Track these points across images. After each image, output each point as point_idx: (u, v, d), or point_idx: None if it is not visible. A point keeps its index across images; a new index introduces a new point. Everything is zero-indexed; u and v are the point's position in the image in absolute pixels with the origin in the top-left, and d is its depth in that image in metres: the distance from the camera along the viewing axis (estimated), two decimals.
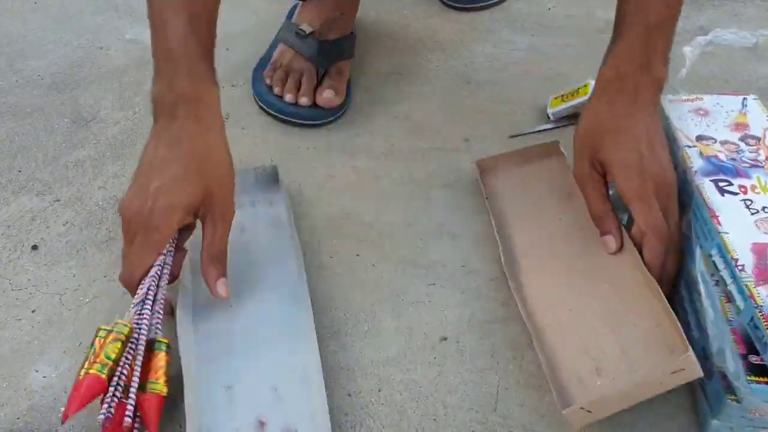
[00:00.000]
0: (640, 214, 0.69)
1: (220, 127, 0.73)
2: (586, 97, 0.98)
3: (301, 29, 1.02)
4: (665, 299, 0.65)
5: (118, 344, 0.62)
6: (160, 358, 0.66)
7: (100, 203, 0.89)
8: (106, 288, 0.79)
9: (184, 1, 0.71)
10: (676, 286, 0.71)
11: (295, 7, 1.11)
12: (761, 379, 0.59)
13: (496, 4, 1.24)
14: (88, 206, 0.89)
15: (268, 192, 0.85)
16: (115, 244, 0.84)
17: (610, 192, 0.75)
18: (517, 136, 0.97)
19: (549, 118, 1.00)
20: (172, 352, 0.67)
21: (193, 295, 0.73)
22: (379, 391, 0.69)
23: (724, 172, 0.70)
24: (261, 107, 1.03)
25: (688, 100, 0.81)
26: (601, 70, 0.76)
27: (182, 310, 0.71)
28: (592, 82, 0.99)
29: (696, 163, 0.71)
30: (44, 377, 0.71)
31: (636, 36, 0.74)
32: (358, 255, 0.82)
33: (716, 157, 0.72)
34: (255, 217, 0.83)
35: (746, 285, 0.59)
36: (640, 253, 0.69)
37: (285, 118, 1.00)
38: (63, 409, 0.60)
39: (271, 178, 0.87)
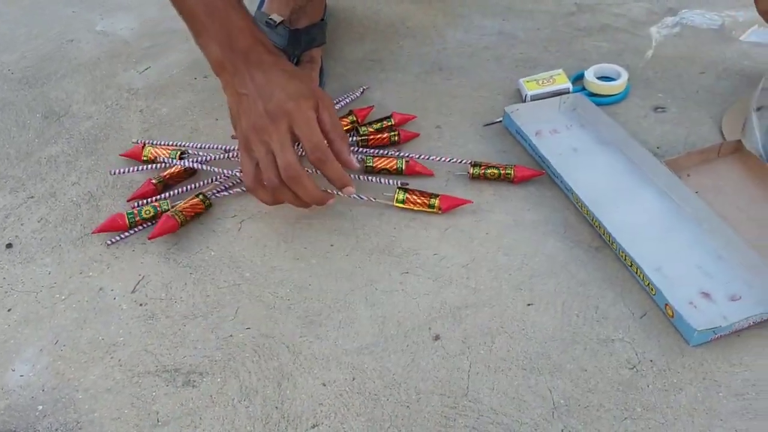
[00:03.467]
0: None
1: (282, 56, 0.82)
2: (564, 85, 0.99)
3: (271, 19, 1.02)
4: None
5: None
6: (197, 203, 0.85)
7: (74, 199, 0.90)
8: (82, 284, 0.79)
9: None
10: None
11: None
12: None
13: None
14: (62, 202, 0.89)
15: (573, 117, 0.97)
16: (90, 240, 0.84)
17: None
18: (491, 124, 0.98)
19: (525, 100, 1.00)
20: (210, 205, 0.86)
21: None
22: (353, 380, 0.70)
23: None
24: None
25: None
26: None
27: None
28: (563, 73, 1.01)
29: None
30: (21, 376, 0.71)
31: None
32: (332, 245, 0.83)
33: None
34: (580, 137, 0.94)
35: None
36: None
37: None
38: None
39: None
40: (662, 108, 1.00)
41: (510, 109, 0.96)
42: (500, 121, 0.98)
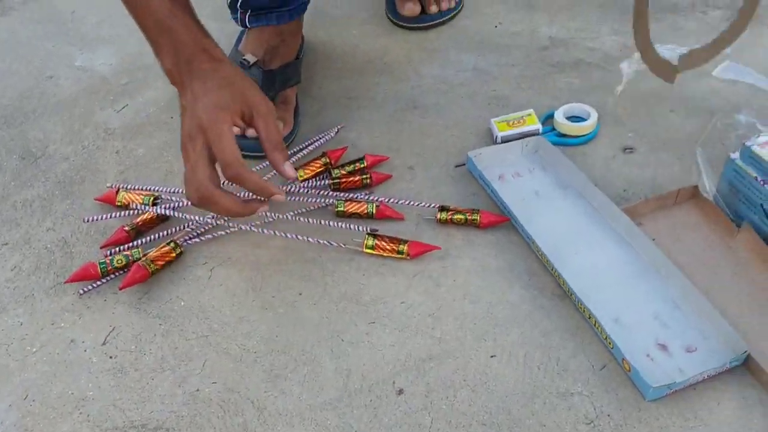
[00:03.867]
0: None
1: (230, 61, 0.82)
2: (533, 127, 1.01)
3: (245, 59, 1.03)
4: None
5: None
6: (167, 251, 0.86)
7: (49, 246, 0.91)
8: (53, 336, 0.81)
9: None
10: None
11: (243, 32, 1.12)
12: None
13: (443, 22, 1.25)
14: (36, 249, 0.91)
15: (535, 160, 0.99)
16: (63, 289, 0.85)
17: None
18: (461, 165, 0.99)
19: (496, 141, 1.02)
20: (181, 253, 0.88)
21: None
22: None
23: None
24: None
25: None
26: None
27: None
28: (533, 113, 1.02)
29: None
30: None
31: None
32: (300, 293, 0.84)
33: None
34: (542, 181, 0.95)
35: None
36: None
37: None
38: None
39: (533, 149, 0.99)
40: (630, 149, 1.01)
41: (473, 153, 0.97)
42: (464, 165, 0.99)
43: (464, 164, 0.99)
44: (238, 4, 1.05)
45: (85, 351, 0.79)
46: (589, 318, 0.79)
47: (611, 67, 1.15)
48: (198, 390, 0.75)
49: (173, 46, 0.78)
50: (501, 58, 1.18)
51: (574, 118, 1.03)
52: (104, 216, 0.92)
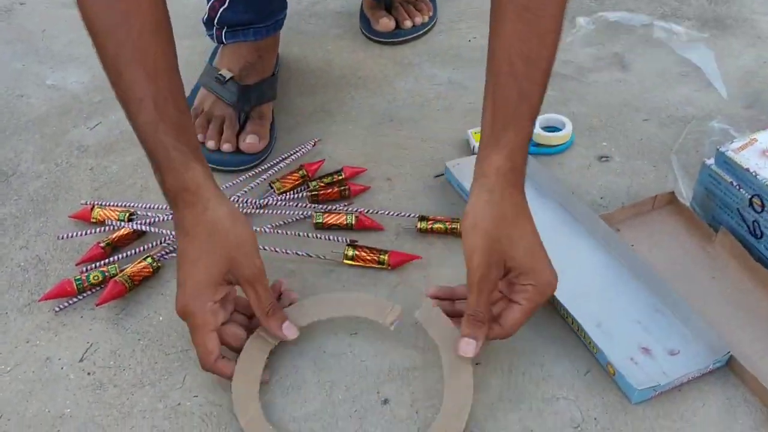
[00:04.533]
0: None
1: (220, 199, 0.72)
2: None
3: (220, 74, 1.03)
4: None
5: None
6: (144, 267, 0.85)
7: (22, 264, 0.89)
8: (28, 354, 0.79)
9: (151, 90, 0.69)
10: None
11: (217, 48, 1.12)
12: None
13: (417, 37, 1.26)
14: (9, 267, 0.89)
15: None
16: (38, 307, 0.83)
17: None
18: (440, 176, 0.99)
19: (474, 152, 1.02)
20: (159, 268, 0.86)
21: None
22: None
23: None
24: None
25: (743, 147, 0.83)
26: (493, 158, 0.72)
27: None
28: None
29: None
30: None
31: (488, 131, 0.74)
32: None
33: None
34: None
35: None
36: None
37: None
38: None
39: None
40: (606, 157, 1.02)
41: (451, 164, 0.98)
42: (443, 175, 0.99)
43: (443, 174, 0.99)
44: (215, 20, 1.05)
45: (62, 368, 0.78)
46: (572, 324, 0.79)
47: (585, 78, 1.17)
48: (179, 404, 0.74)
49: (159, 171, 0.71)
50: (476, 71, 1.19)
51: (550, 128, 1.04)
52: (79, 233, 0.90)
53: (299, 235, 0.90)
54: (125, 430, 0.72)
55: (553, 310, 0.81)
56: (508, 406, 0.73)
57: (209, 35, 1.08)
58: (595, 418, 0.72)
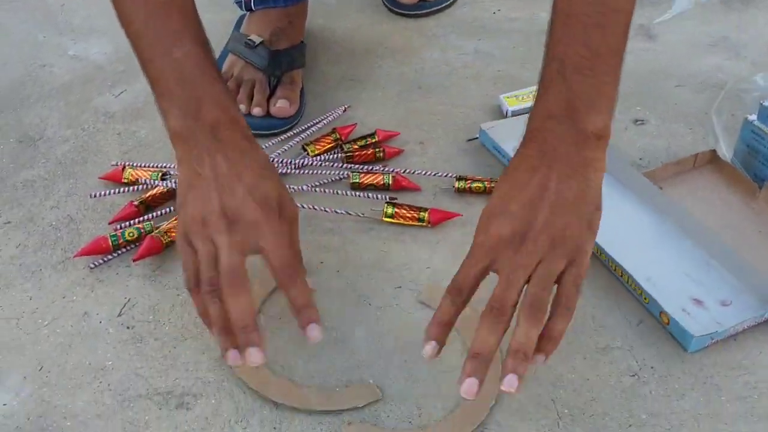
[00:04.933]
0: (461, 266, 0.63)
1: (256, 142, 0.70)
2: None
3: (250, 39, 1.01)
4: None
5: None
6: None
7: (54, 223, 0.87)
8: (65, 309, 0.77)
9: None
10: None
11: (242, 17, 1.10)
12: None
13: (441, 9, 1.25)
14: (40, 227, 0.87)
15: None
16: (72, 264, 0.81)
17: None
18: (474, 139, 0.98)
19: (507, 116, 1.01)
20: None
21: None
22: None
23: None
24: None
25: None
26: (526, 123, 0.67)
27: None
28: None
29: None
30: (4, 405, 0.68)
31: (552, 83, 0.63)
32: (321, 262, 0.82)
33: None
34: None
35: None
36: None
37: None
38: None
39: None
40: (641, 120, 1.01)
41: (486, 126, 0.96)
42: (477, 138, 0.98)
43: (477, 138, 0.98)
44: None
45: (100, 323, 0.76)
46: (622, 276, 0.77)
47: None
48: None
49: (196, 102, 0.66)
50: (502, 41, 1.18)
51: None
52: (111, 191, 0.88)
53: (337, 193, 0.88)
54: (169, 382, 0.70)
55: (599, 264, 0.80)
56: (561, 356, 0.71)
57: (236, 2, 1.07)
58: (652, 367, 0.70)
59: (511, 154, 0.85)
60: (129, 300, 0.78)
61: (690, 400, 0.67)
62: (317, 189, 0.89)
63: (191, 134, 0.67)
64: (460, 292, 0.62)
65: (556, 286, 0.60)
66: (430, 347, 0.61)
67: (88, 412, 0.67)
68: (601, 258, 0.80)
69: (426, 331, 0.62)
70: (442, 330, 0.62)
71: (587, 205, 0.62)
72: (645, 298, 0.75)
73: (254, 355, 0.61)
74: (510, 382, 0.58)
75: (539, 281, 0.59)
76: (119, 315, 0.76)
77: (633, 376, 0.69)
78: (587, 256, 0.62)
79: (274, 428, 0.66)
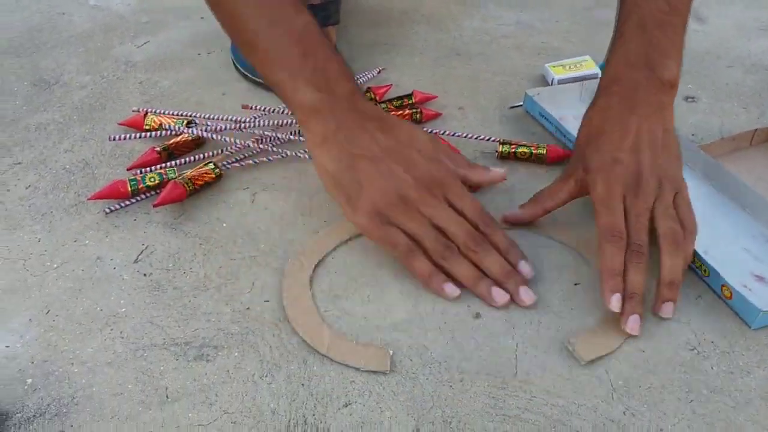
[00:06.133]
0: (598, 217, 0.67)
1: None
2: (592, 71, 0.95)
3: None
4: None
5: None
6: (207, 172, 0.77)
7: (67, 166, 0.81)
8: (77, 253, 0.71)
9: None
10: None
11: None
12: None
13: None
14: (53, 170, 0.81)
15: None
16: (86, 207, 0.76)
17: None
18: (517, 106, 0.92)
19: (552, 84, 0.96)
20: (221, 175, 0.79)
21: None
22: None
23: None
24: (241, 73, 0.96)
25: None
26: (603, 72, 0.74)
27: None
28: (590, 59, 0.96)
29: None
30: (7, 347, 0.62)
31: (633, 34, 0.70)
32: None
33: None
34: None
35: None
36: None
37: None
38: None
39: None
40: (693, 98, 0.95)
41: (532, 92, 0.91)
42: (521, 105, 0.92)
43: (520, 105, 0.92)
44: None
45: (114, 269, 0.70)
46: None
47: None
48: (249, 308, 0.66)
49: (326, 75, 0.65)
50: (544, 14, 1.13)
51: None
52: (132, 135, 0.83)
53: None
54: (188, 332, 0.64)
55: (652, 237, 0.74)
56: (616, 327, 0.65)
57: None
58: (713, 342, 0.64)
59: (559, 120, 0.83)
60: (147, 247, 0.72)
61: (756, 379, 0.61)
62: None
63: (330, 109, 0.65)
64: (621, 235, 0.65)
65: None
66: (615, 300, 0.63)
67: (98, 359, 0.61)
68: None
69: (603, 284, 0.64)
70: (618, 279, 0.64)
71: (673, 142, 0.71)
72: (705, 271, 0.69)
73: (528, 294, 0.66)
74: (667, 310, 0.64)
75: (666, 217, 0.66)
76: (136, 261, 0.70)
77: (692, 350, 0.64)
78: (685, 183, 0.70)
79: (303, 385, 0.60)
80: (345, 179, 0.65)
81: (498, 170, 0.73)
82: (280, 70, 0.65)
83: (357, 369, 0.61)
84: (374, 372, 0.61)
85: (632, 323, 0.63)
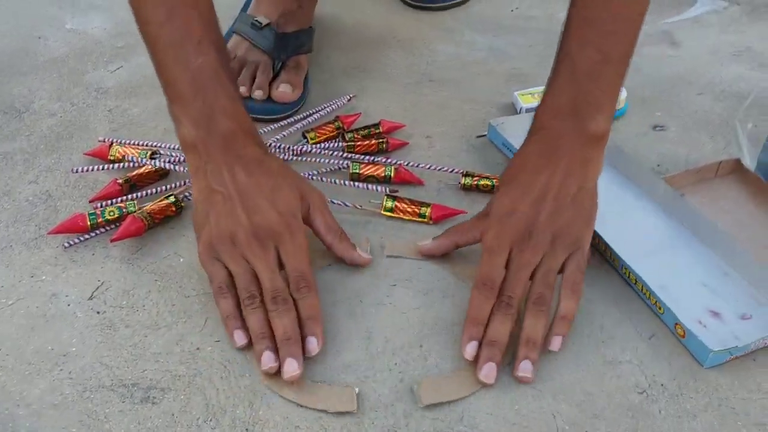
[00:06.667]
0: (479, 265, 0.67)
1: (269, 151, 0.73)
2: None
3: (257, 20, 0.97)
4: None
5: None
6: (167, 206, 0.78)
7: (30, 198, 0.82)
8: (33, 289, 0.71)
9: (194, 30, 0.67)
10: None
11: (249, 1, 1.05)
12: None
13: (457, 4, 1.20)
14: (16, 201, 0.81)
15: None
16: (45, 241, 0.76)
17: None
18: (483, 136, 0.92)
19: (520, 113, 0.95)
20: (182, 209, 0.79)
21: None
22: None
23: None
24: None
25: None
26: (533, 119, 0.72)
27: None
28: None
29: None
30: None
31: (563, 84, 0.68)
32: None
33: None
34: None
35: None
36: None
37: None
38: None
39: None
40: (661, 126, 0.95)
41: (495, 122, 0.91)
42: (486, 135, 0.92)
43: (486, 135, 0.92)
44: None
45: (69, 305, 0.70)
46: (635, 283, 0.71)
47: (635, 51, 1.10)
48: (198, 349, 0.66)
49: (208, 112, 0.67)
50: (518, 39, 1.13)
51: None
52: (95, 167, 0.83)
53: (335, 183, 0.83)
54: (136, 373, 0.64)
55: (611, 271, 0.74)
56: (565, 366, 0.65)
57: None
58: (662, 384, 0.64)
59: None
60: (102, 283, 0.72)
61: (702, 423, 0.61)
62: (315, 178, 0.84)
63: (204, 145, 0.67)
64: (493, 286, 0.65)
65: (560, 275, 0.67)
66: (471, 347, 0.64)
67: (44, 401, 0.62)
68: (614, 264, 0.74)
69: (464, 331, 0.65)
70: (479, 328, 0.65)
71: (586, 200, 0.68)
72: (660, 308, 0.69)
73: (292, 365, 0.62)
74: (525, 368, 0.63)
75: (543, 278, 0.65)
76: (90, 298, 0.71)
77: (641, 393, 0.63)
78: (587, 245, 0.68)
79: (246, 430, 0.60)
80: (200, 210, 0.68)
81: (364, 255, 0.73)
82: (172, 104, 0.69)
83: (325, 411, 0.61)
84: (339, 413, 0.61)
85: (487, 371, 0.63)
